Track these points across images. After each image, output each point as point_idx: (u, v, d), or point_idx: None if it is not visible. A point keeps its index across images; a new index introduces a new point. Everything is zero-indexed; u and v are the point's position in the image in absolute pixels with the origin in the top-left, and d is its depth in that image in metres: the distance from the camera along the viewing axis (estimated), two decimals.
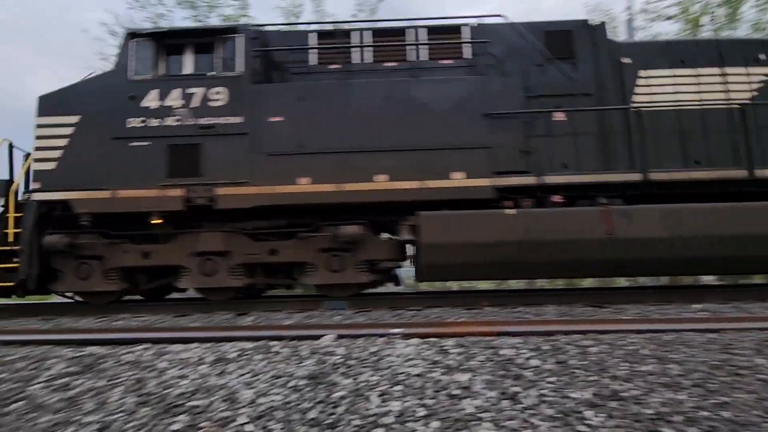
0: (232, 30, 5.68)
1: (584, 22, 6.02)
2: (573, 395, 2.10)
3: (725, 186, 5.29)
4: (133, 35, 5.61)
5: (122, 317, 4.91)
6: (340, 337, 3.08)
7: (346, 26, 6.43)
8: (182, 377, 2.40)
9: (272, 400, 2.11)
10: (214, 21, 15.84)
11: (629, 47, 6.14)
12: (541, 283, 11.12)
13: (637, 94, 5.72)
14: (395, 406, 2.04)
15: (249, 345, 2.79)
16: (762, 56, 5.82)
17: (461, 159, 5.27)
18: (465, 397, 2.14)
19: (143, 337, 3.13)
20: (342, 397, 2.13)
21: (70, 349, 3.01)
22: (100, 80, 5.67)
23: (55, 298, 10.10)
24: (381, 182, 5.21)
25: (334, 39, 6.10)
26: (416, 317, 4.43)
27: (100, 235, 5.38)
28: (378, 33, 6.07)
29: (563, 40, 5.85)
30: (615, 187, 5.35)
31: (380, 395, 2.15)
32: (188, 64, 5.65)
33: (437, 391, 2.18)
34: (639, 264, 5.25)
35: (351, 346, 2.77)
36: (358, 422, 1.94)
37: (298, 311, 4.91)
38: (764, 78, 5.75)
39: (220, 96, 5.45)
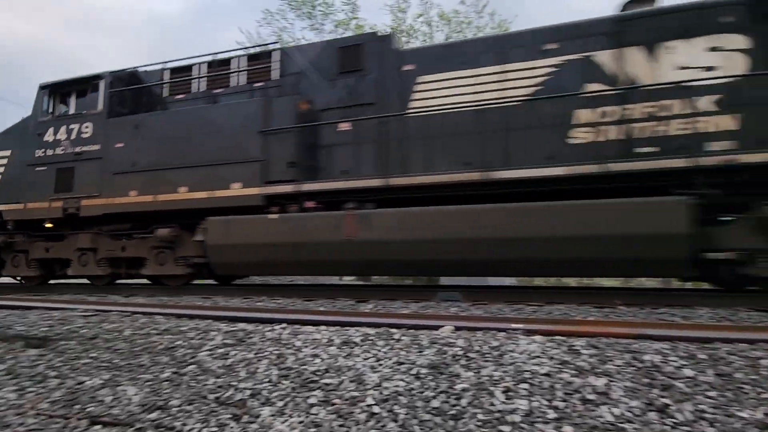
0: (97, 77, 6.96)
1: (373, 34, 6.42)
2: (741, 414, 1.77)
3: (490, 187, 5.08)
4: (41, 87, 7.26)
5: (262, 299, 5.60)
6: (458, 328, 3.07)
7: (197, 60, 7.21)
8: (315, 356, 2.64)
9: (396, 386, 2.20)
10: (329, 27, 16.89)
11: (412, 54, 6.15)
12: (691, 284, 9.55)
13: (415, 99, 5.75)
14: (522, 404, 1.96)
15: (371, 331, 2.95)
16: (551, 46, 5.33)
17: (240, 171, 5.96)
18: (602, 404, 1.95)
19: (281, 317, 3.52)
20: (464, 390, 2.12)
21: (225, 324, 3.54)
22: (24, 122, 7.45)
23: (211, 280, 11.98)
24: (182, 193, 6.18)
25: (180, 74, 7.16)
26: (537, 313, 4.19)
27: (25, 236, 7.19)
28: (210, 65, 7.01)
29: (354, 54, 6.13)
30: (376, 192, 5.51)
31: (504, 391, 2.08)
32: (72, 106, 7.29)
33: (568, 394, 2.03)
34: (380, 265, 5.66)
35: (470, 338, 2.73)
36: (482, 416, 1.91)
37: (414, 301, 5.02)
38: (551, 69, 5.27)
39: (87, 129, 6.91)
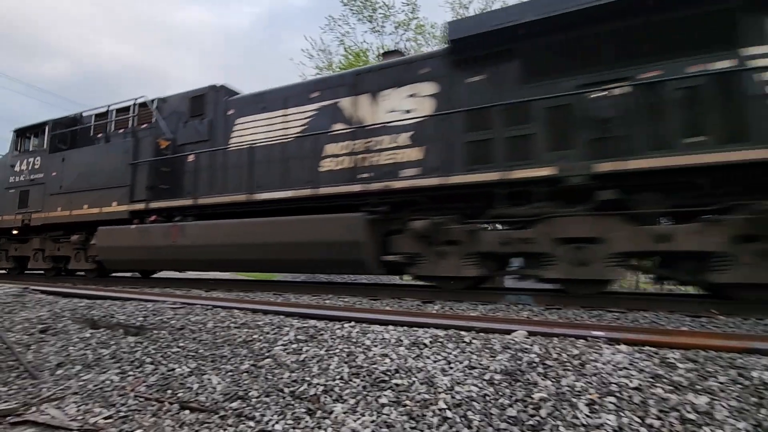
0: (45, 123, 9.54)
1: (212, 87, 8.03)
2: None
3: (261, 205, 6.77)
4: (13, 131, 10.05)
5: (329, 296, 5.76)
6: (531, 333, 2.91)
7: (113, 106, 9.37)
8: (384, 356, 2.64)
9: (469, 390, 2.13)
10: (389, 29, 17.05)
11: (233, 101, 7.74)
12: None
13: (233, 137, 7.49)
14: (609, 419, 1.80)
15: (440, 333, 2.89)
16: (314, 95, 6.86)
17: (117, 193, 8.03)
18: (704, 424, 1.74)
19: (349, 315, 3.58)
20: (543, 399, 2.00)
21: (297, 320, 3.68)
22: (5, 158, 10.20)
23: (278, 276, 12.59)
24: (86, 209, 8.42)
25: (99, 118, 9.41)
26: (620, 320, 3.86)
27: (4, 239, 10.15)
28: (117, 111, 9.15)
29: (199, 102, 8.04)
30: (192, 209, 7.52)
31: (588, 404, 1.93)
32: (32, 144, 9.84)
33: (664, 412, 1.83)
34: (193, 262, 7.57)
35: (546, 345, 2.58)
36: (564, 430, 1.79)
37: (481, 303, 4.87)
38: (313, 113, 6.80)
39: (38, 162, 9.48)
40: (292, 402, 2.34)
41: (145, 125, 8.63)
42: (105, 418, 2.49)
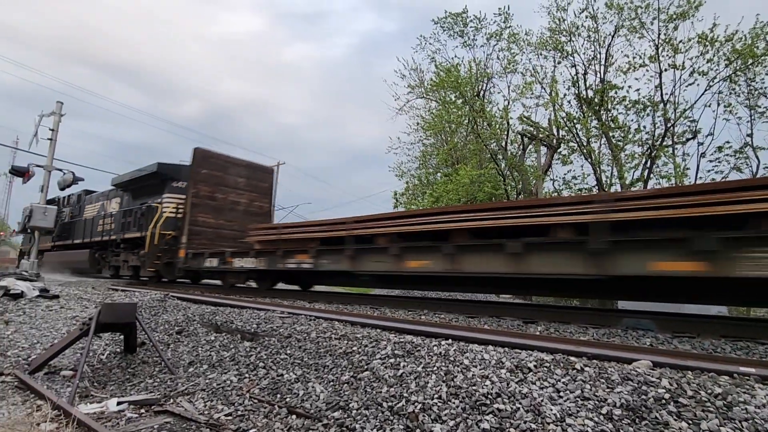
0: (54, 200, 16.36)
1: (85, 190, 16.08)
2: None
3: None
4: (55, 201, 16.80)
5: (424, 312, 5.73)
6: (657, 365, 2.54)
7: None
8: (484, 377, 2.52)
9: (583, 424, 1.92)
10: (480, 41, 16.82)
11: (85, 198, 15.89)
12: None
13: (84, 214, 15.44)
14: None
15: (546, 357, 2.67)
16: (100, 198, 15.09)
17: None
18: None
19: (447, 333, 3.51)
20: None
21: (393, 334, 3.71)
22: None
23: (375, 291, 12.92)
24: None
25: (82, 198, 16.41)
26: None
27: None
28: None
29: (77, 198, 16.49)
30: None
31: None
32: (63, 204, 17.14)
33: None
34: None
35: (678, 379, 2.22)
36: None
37: (592, 326, 4.41)
38: (98, 205, 14.93)
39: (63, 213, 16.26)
40: (391, 417, 2.34)
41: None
42: (226, 415, 2.76)
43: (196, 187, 10.61)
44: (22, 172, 14.11)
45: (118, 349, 4.44)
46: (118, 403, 3.05)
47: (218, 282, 10.26)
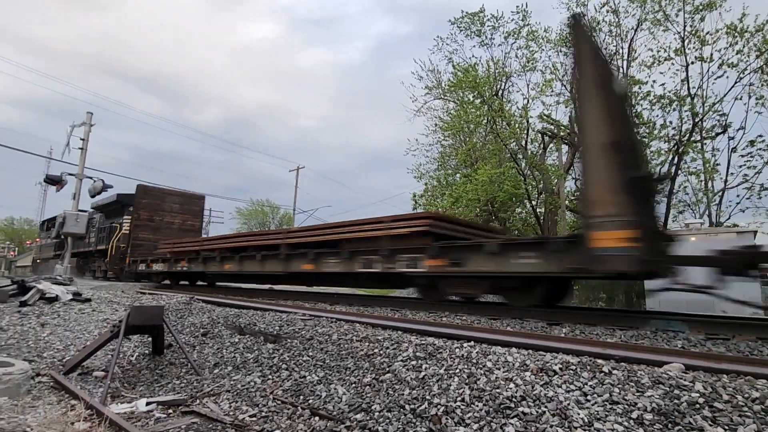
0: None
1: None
2: None
3: None
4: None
5: (446, 314, 5.68)
6: (689, 368, 2.45)
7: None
8: (508, 380, 2.48)
9: (613, 429, 1.87)
10: (498, 40, 16.65)
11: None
12: None
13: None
14: None
15: (572, 359, 2.61)
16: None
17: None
18: None
19: (469, 335, 3.47)
20: None
21: (415, 336, 3.69)
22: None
23: (397, 292, 12.89)
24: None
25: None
26: None
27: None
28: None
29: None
30: None
31: None
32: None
33: None
34: None
35: (713, 383, 2.13)
36: None
37: (619, 328, 4.29)
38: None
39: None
40: (414, 420, 2.33)
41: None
42: (251, 416, 2.80)
43: (138, 212, 14.95)
44: (55, 181, 14.73)
45: (147, 351, 4.56)
46: (147, 404, 3.13)
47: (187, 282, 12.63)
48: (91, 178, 15.22)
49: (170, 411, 3.08)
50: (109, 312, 6.67)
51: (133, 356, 4.51)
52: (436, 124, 19.48)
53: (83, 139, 15.16)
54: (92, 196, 15.85)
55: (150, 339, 4.50)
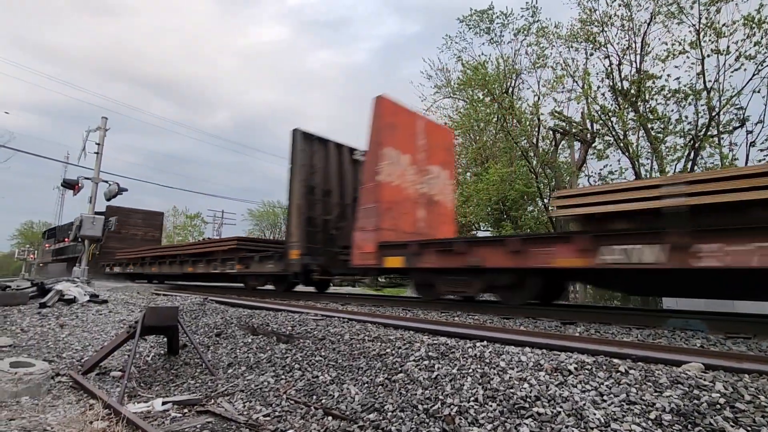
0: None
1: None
2: None
3: None
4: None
5: (458, 314, 5.65)
6: (709, 367, 2.39)
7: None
8: (522, 380, 2.45)
9: (630, 430, 1.83)
10: (508, 37, 16.54)
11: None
12: None
13: None
14: None
15: (588, 359, 2.57)
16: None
17: None
18: None
19: (481, 334, 3.45)
20: None
21: (427, 336, 3.68)
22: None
23: (407, 292, 12.86)
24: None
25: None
26: None
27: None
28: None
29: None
30: None
31: None
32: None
33: None
34: None
35: (734, 383, 2.08)
36: None
37: (635, 326, 4.22)
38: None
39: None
40: (427, 420, 2.32)
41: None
42: (264, 416, 2.82)
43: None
44: (72, 185, 15.04)
45: (162, 351, 4.63)
46: (163, 403, 3.17)
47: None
48: (106, 181, 15.48)
49: (185, 410, 3.12)
50: (125, 313, 6.79)
51: (149, 356, 4.58)
52: (445, 123, 19.40)
53: (98, 144, 15.45)
54: (108, 200, 15.99)
55: (165, 339, 4.56)
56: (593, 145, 15.02)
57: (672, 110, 12.97)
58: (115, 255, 17.29)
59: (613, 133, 13.90)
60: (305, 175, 8.33)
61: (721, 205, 3.85)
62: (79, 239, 15.08)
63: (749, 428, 1.74)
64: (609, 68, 13.62)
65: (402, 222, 7.00)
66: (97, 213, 16.29)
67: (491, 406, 2.28)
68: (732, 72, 11.99)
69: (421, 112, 9.50)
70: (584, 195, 4.95)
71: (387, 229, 6.73)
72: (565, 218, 7.43)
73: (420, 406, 2.44)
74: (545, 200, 15.80)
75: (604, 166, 15.04)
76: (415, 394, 2.59)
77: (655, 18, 12.92)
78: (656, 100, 13.05)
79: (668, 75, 12.81)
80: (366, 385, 2.91)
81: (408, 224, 7.13)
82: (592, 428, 1.89)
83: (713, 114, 12.04)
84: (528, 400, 2.23)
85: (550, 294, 5.83)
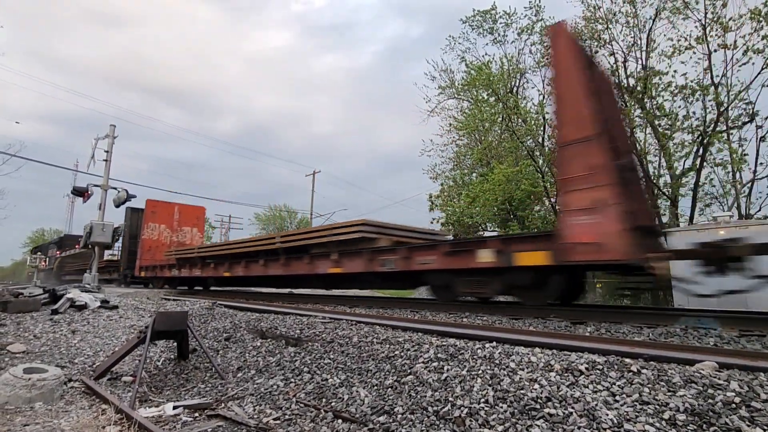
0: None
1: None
2: None
3: None
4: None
5: (466, 315, 5.63)
6: (724, 366, 2.35)
7: None
8: (533, 381, 2.44)
9: (644, 430, 1.81)
10: (511, 36, 16.49)
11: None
12: None
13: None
14: None
15: (599, 359, 2.54)
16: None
17: None
18: None
19: (491, 335, 3.43)
20: None
21: (436, 338, 3.66)
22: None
23: (415, 294, 12.82)
24: None
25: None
26: None
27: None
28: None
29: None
30: None
31: None
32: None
33: None
34: None
35: (750, 382, 2.05)
36: None
37: (647, 325, 4.17)
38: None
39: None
40: (437, 422, 2.31)
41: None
42: (274, 419, 2.83)
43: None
44: (82, 192, 15.21)
45: (172, 356, 4.66)
46: (174, 407, 3.19)
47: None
48: (115, 188, 15.64)
49: (196, 414, 3.13)
50: (135, 318, 6.85)
51: (159, 361, 4.62)
52: (450, 124, 19.39)
53: (107, 151, 15.63)
54: (117, 206, 16.07)
55: (175, 344, 4.59)
56: None
57: (679, 106, 12.83)
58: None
59: None
60: None
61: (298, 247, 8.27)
62: (90, 246, 15.16)
63: (766, 427, 1.71)
64: (614, 65, 13.53)
65: None
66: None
67: (502, 407, 2.27)
68: (740, 66, 11.84)
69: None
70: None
71: None
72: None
73: (430, 408, 2.43)
74: (552, 199, 15.70)
75: None
76: (425, 396, 2.58)
77: (660, 14, 12.82)
78: (663, 96, 12.92)
79: (675, 71, 12.69)
80: (375, 387, 2.91)
81: None
82: (605, 429, 1.87)
83: (722, 109, 11.90)
84: (539, 401, 2.22)
85: (572, 293, 5.73)
